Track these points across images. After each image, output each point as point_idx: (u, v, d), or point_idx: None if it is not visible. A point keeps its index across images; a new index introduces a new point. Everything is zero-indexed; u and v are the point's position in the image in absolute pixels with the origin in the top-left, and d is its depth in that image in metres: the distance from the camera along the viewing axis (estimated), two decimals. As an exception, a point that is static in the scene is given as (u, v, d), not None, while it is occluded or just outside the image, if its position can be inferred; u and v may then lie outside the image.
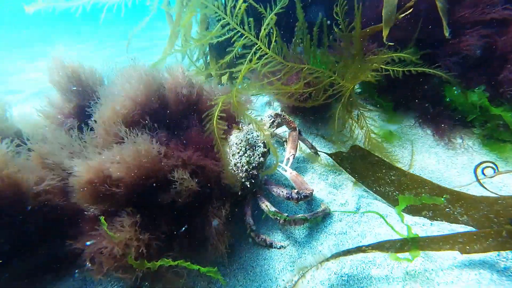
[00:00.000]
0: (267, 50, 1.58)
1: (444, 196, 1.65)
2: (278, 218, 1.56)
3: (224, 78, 3.25)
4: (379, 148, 2.02)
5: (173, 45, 3.33)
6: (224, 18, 1.44)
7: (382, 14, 1.90)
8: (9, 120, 2.09)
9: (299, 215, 1.59)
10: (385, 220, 1.46)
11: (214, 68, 3.00)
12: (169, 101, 1.70)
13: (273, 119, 1.96)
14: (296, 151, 1.89)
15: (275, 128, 2.00)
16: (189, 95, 1.73)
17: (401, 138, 2.19)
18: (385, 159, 1.88)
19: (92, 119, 1.61)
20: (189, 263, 1.35)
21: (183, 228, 1.51)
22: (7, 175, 1.41)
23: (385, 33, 1.89)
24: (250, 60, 1.55)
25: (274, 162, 1.92)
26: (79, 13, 3.15)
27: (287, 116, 1.99)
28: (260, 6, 1.50)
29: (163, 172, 1.44)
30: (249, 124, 1.79)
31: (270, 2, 1.54)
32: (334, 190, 1.87)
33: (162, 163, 1.43)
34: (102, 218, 1.30)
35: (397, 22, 1.91)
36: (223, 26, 1.45)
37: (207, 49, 3.46)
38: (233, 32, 1.46)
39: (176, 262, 1.33)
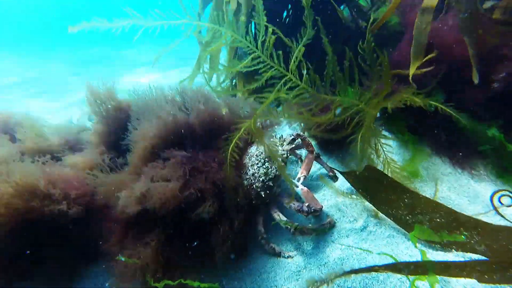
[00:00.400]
0: (299, 82, 1.67)
1: (464, 233, 1.64)
2: (289, 227, 1.68)
3: (251, 99, 3.46)
4: (402, 178, 2.04)
5: (200, 67, 3.63)
6: (254, 52, 1.55)
7: (411, 53, 2.04)
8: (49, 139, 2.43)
9: (309, 225, 1.68)
10: (396, 260, 1.52)
11: (241, 91, 3.21)
12: (195, 128, 1.92)
13: (293, 137, 2.11)
14: (308, 173, 2.05)
15: (293, 146, 2.13)
16: (213, 122, 1.96)
17: (415, 166, 2.23)
18: (399, 182, 1.90)
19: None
20: (189, 280, 1.52)
21: (195, 243, 1.71)
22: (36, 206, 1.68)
23: (411, 71, 1.99)
24: (279, 90, 1.64)
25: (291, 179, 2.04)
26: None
27: (307, 139, 2.16)
28: (288, 40, 1.62)
29: (192, 194, 1.65)
30: (271, 138, 1.95)
31: (296, 34, 1.68)
32: (344, 208, 1.97)
33: (188, 191, 1.65)
34: (119, 257, 1.56)
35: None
36: (253, 59, 1.55)
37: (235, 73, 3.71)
38: (263, 65, 1.59)
39: (176, 282, 1.50)
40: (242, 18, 1.54)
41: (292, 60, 1.61)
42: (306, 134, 2.34)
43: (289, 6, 3.44)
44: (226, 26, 1.63)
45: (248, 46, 1.55)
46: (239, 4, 3.20)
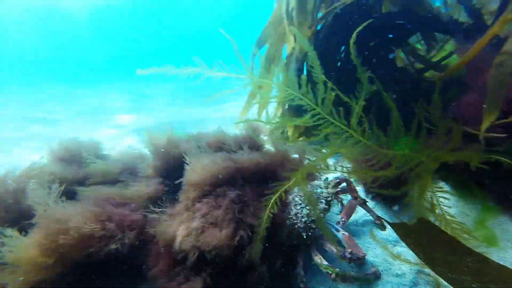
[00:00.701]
0: (361, 138, 1.67)
1: None
2: (330, 272, 1.68)
3: (301, 141, 3.63)
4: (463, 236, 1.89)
5: (248, 110, 3.98)
6: (314, 109, 1.65)
7: (483, 108, 1.92)
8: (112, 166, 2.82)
9: (351, 273, 1.67)
10: None
11: (294, 140, 3.39)
12: (244, 171, 2.11)
13: (338, 181, 2.17)
14: (348, 218, 2.09)
15: (338, 189, 2.18)
16: (263, 167, 2.15)
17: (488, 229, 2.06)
18: (460, 242, 1.76)
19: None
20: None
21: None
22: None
23: (483, 127, 1.88)
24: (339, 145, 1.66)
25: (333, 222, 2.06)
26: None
27: (352, 185, 2.21)
28: (345, 96, 1.67)
29: (243, 237, 1.79)
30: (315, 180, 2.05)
31: (350, 78, 1.74)
32: (391, 260, 1.91)
33: (239, 236, 1.78)
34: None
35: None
36: (313, 115, 1.65)
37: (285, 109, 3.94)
38: (322, 121, 1.66)
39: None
40: (303, 77, 1.66)
41: (354, 116, 1.63)
42: (353, 179, 2.36)
43: (342, 48, 3.64)
44: (282, 80, 1.78)
45: (309, 104, 1.64)
46: (293, 49, 3.50)
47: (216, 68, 1.86)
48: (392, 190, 2.03)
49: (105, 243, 1.86)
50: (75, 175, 2.75)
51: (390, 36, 3.31)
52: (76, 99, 12.01)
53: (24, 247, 1.74)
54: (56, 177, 2.57)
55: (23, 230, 1.97)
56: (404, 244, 2.00)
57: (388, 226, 2.15)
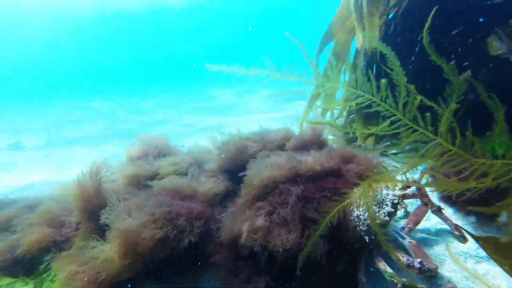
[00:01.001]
0: (451, 147, 1.52)
1: None
2: (396, 281, 1.59)
3: (369, 140, 3.48)
4: None
5: (311, 109, 3.95)
6: (395, 115, 1.51)
7: None
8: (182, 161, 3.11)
9: (421, 285, 1.55)
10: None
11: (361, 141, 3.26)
12: (307, 173, 2.13)
13: (407, 184, 2.01)
14: (415, 226, 1.93)
15: (406, 192, 2.04)
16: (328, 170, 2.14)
17: None
18: None
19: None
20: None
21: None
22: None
23: None
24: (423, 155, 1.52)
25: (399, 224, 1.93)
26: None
27: (424, 189, 2.05)
28: (431, 101, 1.50)
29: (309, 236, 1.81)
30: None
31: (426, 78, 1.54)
32: (472, 277, 1.68)
33: (306, 236, 1.80)
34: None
35: None
36: (392, 122, 1.53)
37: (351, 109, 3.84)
38: (403, 128, 1.52)
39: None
40: (383, 81, 1.54)
41: (443, 122, 1.46)
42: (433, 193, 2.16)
43: (419, 37, 3.34)
44: (350, 82, 1.67)
45: (388, 110, 1.52)
46: (362, 46, 3.36)
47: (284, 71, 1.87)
48: (487, 204, 1.78)
49: (178, 239, 2.01)
50: (149, 170, 3.06)
51: (481, 20, 2.90)
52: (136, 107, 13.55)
53: (106, 254, 1.96)
54: (131, 175, 2.94)
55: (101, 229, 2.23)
56: (492, 263, 1.78)
57: (471, 239, 1.91)
